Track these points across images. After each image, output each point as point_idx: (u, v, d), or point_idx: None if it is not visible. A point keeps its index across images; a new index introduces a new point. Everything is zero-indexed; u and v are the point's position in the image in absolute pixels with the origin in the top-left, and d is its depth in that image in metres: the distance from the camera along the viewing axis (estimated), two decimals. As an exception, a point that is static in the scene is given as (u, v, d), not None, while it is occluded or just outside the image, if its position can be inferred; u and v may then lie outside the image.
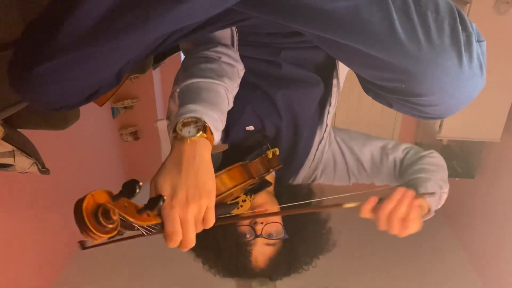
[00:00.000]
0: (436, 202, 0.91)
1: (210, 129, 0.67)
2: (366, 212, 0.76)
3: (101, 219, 0.51)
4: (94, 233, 0.50)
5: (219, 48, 0.86)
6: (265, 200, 0.92)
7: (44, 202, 2.49)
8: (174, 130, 0.65)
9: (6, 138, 1.04)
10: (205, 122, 0.67)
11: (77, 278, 2.68)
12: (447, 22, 0.58)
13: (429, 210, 0.86)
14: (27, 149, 1.13)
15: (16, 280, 2.27)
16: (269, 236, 0.90)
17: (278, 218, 0.93)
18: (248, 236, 0.90)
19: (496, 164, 2.72)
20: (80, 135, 2.82)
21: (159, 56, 1.32)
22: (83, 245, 0.79)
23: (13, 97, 0.88)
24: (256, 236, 0.89)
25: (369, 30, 0.57)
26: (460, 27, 0.59)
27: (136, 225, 0.57)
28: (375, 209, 0.76)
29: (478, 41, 0.61)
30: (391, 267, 2.82)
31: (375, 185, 1.07)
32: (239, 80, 0.89)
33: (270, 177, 0.99)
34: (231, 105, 0.83)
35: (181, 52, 1.11)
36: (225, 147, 0.86)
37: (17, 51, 0.63)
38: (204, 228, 0.63)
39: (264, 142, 0.94)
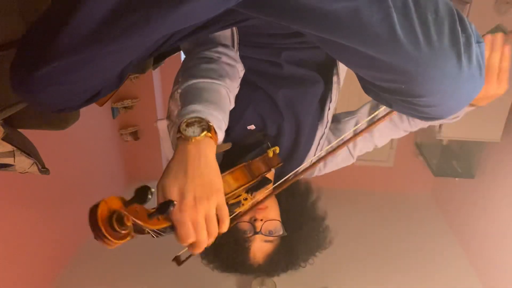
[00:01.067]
0: None
1: (214, 128, 0.67)
2: None
3: (115, 225, 0.52)
4: (109, 240, 0.52)
5: (219, 49, 0.86)
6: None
7: (44, 202, 2.49)
8: (178, 131, 0.66)
9: (6, 138, 1.04)
10: (209, 122, 0.67)
11: (77, 278, 2.68)
12: (446, 23, 0.58)
13: None
14: (27, 149, 1.13)
15: (16, 280, 2.27)
16: (268, 233, 0.92)
17: (277, 216, 0.95)
18: (247, 232, 0.91)
19: (496, 164, 2.72)
20: (80, 135, 2.82)
21: (159, 56, 1.32)
22: (178, 261, 0.80)
23: (13, 97, 0.88)
24: (256, 233, 0.91)
25: (369, 31, 0.57)
26: (459, 28, 0.59)
27: (147, 229, 0.58)
28: None
29: (477, 42, 0.61)
30: (390, 267, 2.82)
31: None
32: (239, 80, 0.89)
33: (269, 174, 1.00)
34: (233, 105, 0.84)
35: (181, 52, 1.12)
36: (229, 146, 0.86)
37: (18, 53, 0.62)
38: (221, 231, 0.63)
39: (265, 141, 0.95)
